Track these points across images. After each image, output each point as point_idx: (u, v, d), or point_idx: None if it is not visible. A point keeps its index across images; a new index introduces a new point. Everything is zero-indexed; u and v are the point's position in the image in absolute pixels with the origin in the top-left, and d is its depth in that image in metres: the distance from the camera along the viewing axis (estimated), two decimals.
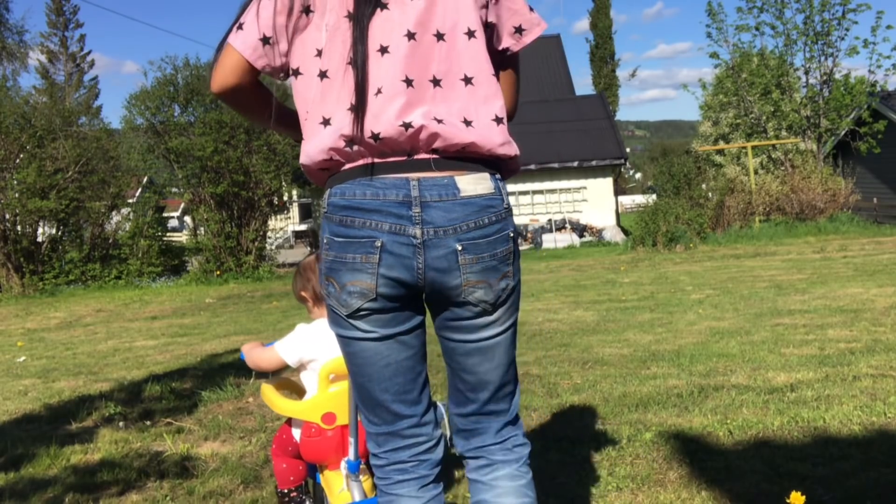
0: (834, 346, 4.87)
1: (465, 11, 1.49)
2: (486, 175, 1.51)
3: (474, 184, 1.49)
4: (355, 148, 1.47)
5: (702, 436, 3.24)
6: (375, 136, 1.45)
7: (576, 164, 21.90)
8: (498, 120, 1.52)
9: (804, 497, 2.27)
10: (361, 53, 1.44)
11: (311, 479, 2.46)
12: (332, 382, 2.15)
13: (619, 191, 29.06)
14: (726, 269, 10.52)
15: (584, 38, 44.48)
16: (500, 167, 1.56)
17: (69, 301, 13.20)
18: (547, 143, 22.33)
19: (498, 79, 1.57)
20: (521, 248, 17.30)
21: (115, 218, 17.18)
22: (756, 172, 20.34)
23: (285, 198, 18.19)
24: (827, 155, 19.21)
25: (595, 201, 22.19)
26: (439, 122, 1.45)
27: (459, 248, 1.47)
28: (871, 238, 13.81)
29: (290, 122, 1.71)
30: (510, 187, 21.94)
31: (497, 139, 1.51)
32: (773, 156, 21.81)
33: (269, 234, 17.48)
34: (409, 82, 1.45)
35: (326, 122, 1.49)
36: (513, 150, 1.54)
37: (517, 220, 21.82)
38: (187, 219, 21.85)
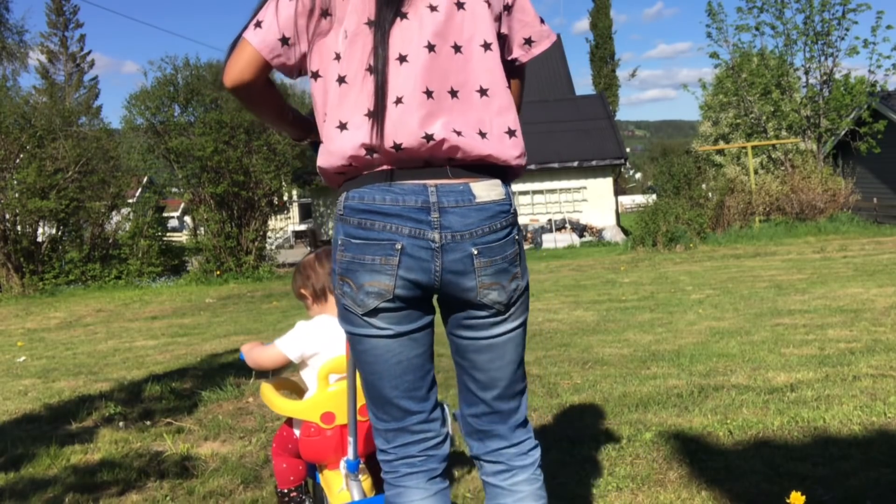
0: (834, 346, 4.87)
1: (482, 24, 1.54)
2: (498, 181, 1.56)
3: (488, 190, 1.54)
4: (375, 156, 1.50)
5: (702, 436, 3.24)
6: (397, 147, 1.48)
7: (576, 164, 21.90)
8: (511, 132, 1.57)
9: (804, 497, 2.27)
10: (382, 60, 1.47)
11: (311, 479, 2.46)
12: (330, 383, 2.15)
13: (619, 191, 29.07)
14: (726, 269, 10.52)
15: (584, 38, 44.50)
16: (508, 174, 1.60)
17: (69, 301, 13.21)
18: (547, 143, 22.33)
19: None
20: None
21: (115, 218, 17.19)
22: (756, 172, 20.35)
23: (285, 198, 18.21)
24: (827, 155, 19.21)
25: (595, 201, 22.20)
26: (458, 134, 1.50)
27: (475, 251, 1.52)
28: (871, 238, 13.81)
29: (291, 120, 1.74)
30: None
31: (512, 151, 1.56)
32: (773, 156, 21.82)
33: (269, 234, 17.50)
34: (429, 93, 1.48)
35: (343, 127, 1.51)
36: (524, 160, 1.60)
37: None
38: (187, 219, 21.86)
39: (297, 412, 2.21)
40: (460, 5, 1.53)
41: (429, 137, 1.48)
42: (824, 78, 18.62)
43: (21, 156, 15.68)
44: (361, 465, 2.15)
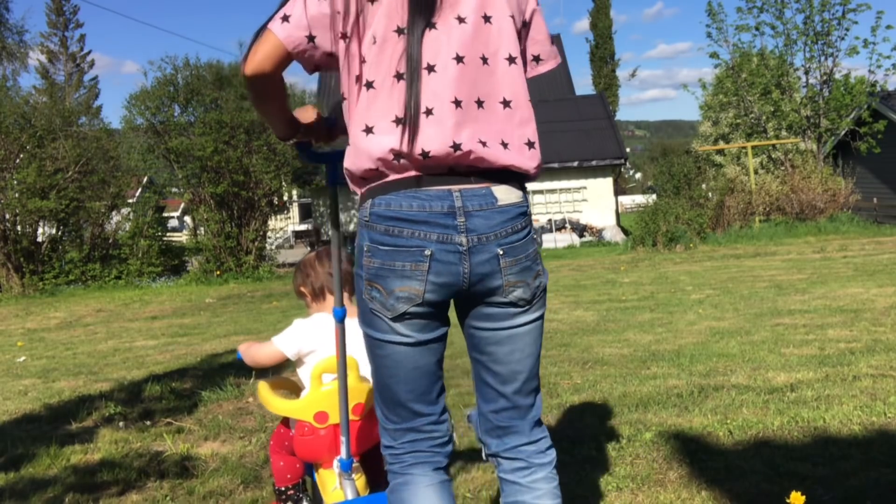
0: (834, 346, 4.87)
1: (508, 38, 1.60)
2: (515, 184, 1.63)
3: (507, 193, 1.60)
4: (402, 161, 1.54)
5: (702, 436, 3.24)
6: (425, 154, 1.53)
7: (576, 164, 21.90)
8: (530, 144, 1.63)
9: (804, 497, 2.27)
10: (415, 69, 1.52)
11: (309, 478, 2.47)
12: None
13: (619, 191, 29.07)
14: (726, 269, 10.52)
15: (584, 38, 44.47)
16: (524, 179, 1.66)
17: (69, 301, 13.21)
18: (547, 143, 22.24)
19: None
20: None
21: (115, 218, 17.19)
22: (756, 172, 20.35)
23: (285, 198, 18.21)
24: (827, 155, 19.21)
25: (595, 201, 22.20)
26: (484, 144, 1.55)
27: (501, 252, 1.58)
28: (871, 238, 13.81)
29: (287, 118, 1.78)
30: None
31: (531, 163, 1.63)
32: (773, 156, 21.82)
33: (269, 234, 17.50)
34: (458, 103, 1.53)
35: (369, 130, 1.55)
36: (540, 169, 1.67)
37: None
38: (187, 219, 21.87)
39: (291, 412, 2.23)
40: (487, 19, 1.57)
41: (456, 147, 1.53)
42: (824, 78, 18.62)
43: (21, 156, 15.68)
44: (355, 465, 2.16)
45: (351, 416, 2.11)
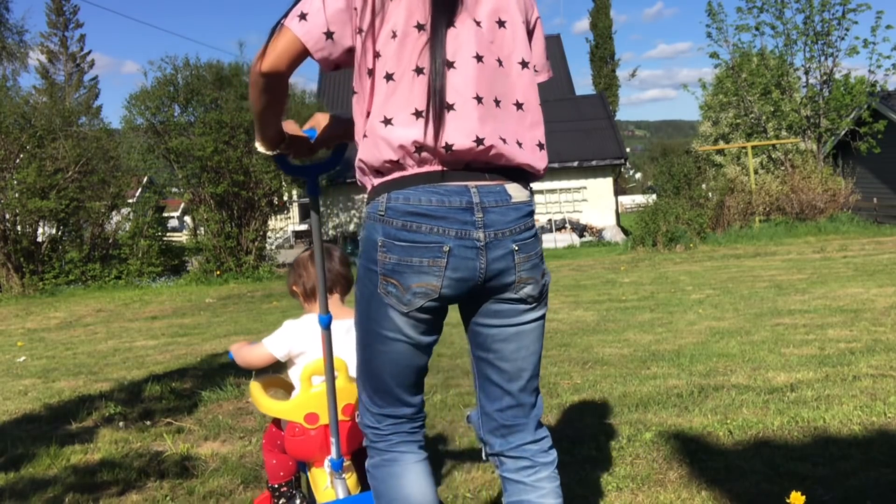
0: (834, 346, 4.87)
1: (521, 43, 1.65)
2: (524, 184, 1.69)
3: (518, 191, 1.65)
4: (423, 154, 1.56)
5: (702, 436, 3.24)
6: (448, 147, 1.55)
7: (576, 164, 21.90)
8: (540, 146, 1.70)
9: (804, 497, 2.27)
10: (439, 64, 1.54)
11: (303, 474, 2.50)
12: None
13: (619, 191, 29.07)
14: (726, 269, 10.52)
15: (584, 38, 44.48)
16: (530, 178, 1.71)
17: (69, 301, 13.21)
18: (547, 143, 22.25)
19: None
20: None
21: (115, 218, 17.18)
22: (756, 172, 20.35)
23: (285, 198, 18.21)
24: (827, 155, 19.21)
25: (595, 201, 22.20)
26: (504, 141, 1.59)
27: (516, 248, 1.62)
28: (871, 238, 13.81)
29: (278, 126, 1.80)
30: None
31: (541, 164, 1.69)
32: (773, 156, 21.82)
33: (269, 234, 17.50)
34: (479, 99, 1.56)
35: (388, 122, 1.56)
36: (545, 171, 1.72)
37: None
38: (187, 219, 21.86)
39: (281, 412, 2.25)
40: (502, 23, 1.62)
41: (479, 141, 1.55)
42: (824, 78, 18.62)
43: (21, 156, 15.68)
44: (347, 463, 2.19)
45: (341, 417, 2.13)
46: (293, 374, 2.34)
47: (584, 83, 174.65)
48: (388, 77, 1.56)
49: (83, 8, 51.17)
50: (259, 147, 1.84)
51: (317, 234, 2.04)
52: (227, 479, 3.13)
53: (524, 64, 1.64)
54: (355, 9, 1.56)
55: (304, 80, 35.88)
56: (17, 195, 15.12)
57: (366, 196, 1.69)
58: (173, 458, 3.46)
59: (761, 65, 19.42)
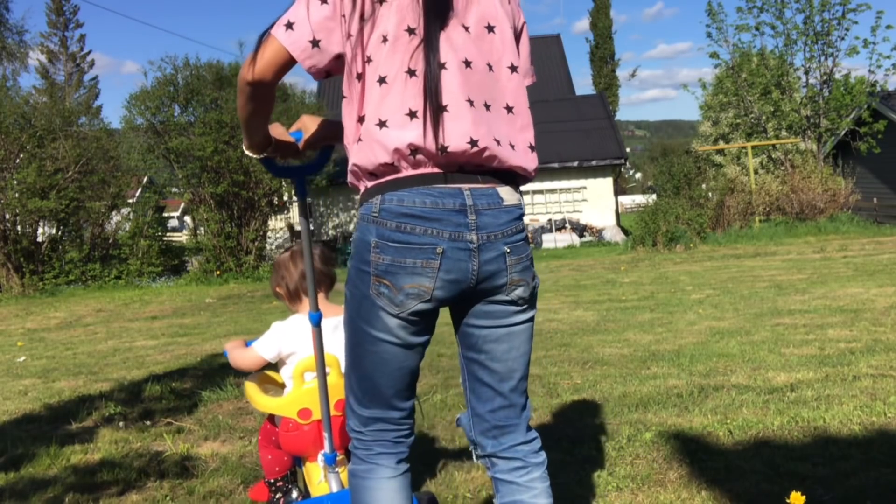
0: (834, 346, 4.86)
1: (509, 48, 1.68)
2: (515, 187, 1.69)
3: (509, 194, 1.66)
4: (417, 156, 1.57)
5: (702, 436, 3.24)
6: (443, 149, 1.56)
7: (576, 164, 21.90)
8: (532, 148, 1.72)
9: (804, 497, 2.27)
10: (434, 67, 1.55)
11: (299, 469, 2.54)
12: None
13: (619, 191, 29.06)
14: (726, 269, 10.52)
15: (584, 38, 44.47)
16: (519, 181, 1.72)
17: (69, 301, 13.20)
18: (547, 143, 22.28)
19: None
20: None
21: (115, 218, 17.19)
22: (756, 172, 20.35)
23: (285, 198, 18.19)
24: (827, 155, 19.21)
25: (595, 201, 22.19)
26: (498, 143, 1.61)
27: (507, 250, 1.63)
28: (871, 238, 13.81)
29: (265, 131, 1.82)
30: None
31: (532, 165, 1.71)
32: (773, 156, 21.82)
33: (268, 233, 17.50)
34: (471, 102, 1.58)
35: (383, 124, 1.57)
36: (536, 172, 1.74)
37: None
38: (187, 219, 21.85)
39: (275, 409, 2.30)
40: (490, 29, 1.64)
41: (474, 143, 1.57)
42: (824, 78, 18.62)
43: (21, 156, 15.68)
44: (340, 457, 2.23)
45: (333, 412, 2.17)
46: (285, 374, 2.38)
47: (584, 83, 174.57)
48: (381, 80, 1.57)
49: (83, 8, 51.19)
50: (247, 151, 1.86)
51: (305, 235, 2.07)
52: (227, 479, 3.13)
53: (513, 68, 1.67)
54: (343, 15, 1.57)
55: (304, 81, 35.91)
56: (17, 195, 15.12)
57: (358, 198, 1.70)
58: (173, 458, 3.46)
59: (761, 65, 19.42)
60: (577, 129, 22.94)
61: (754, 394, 3.82)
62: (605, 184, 22.43)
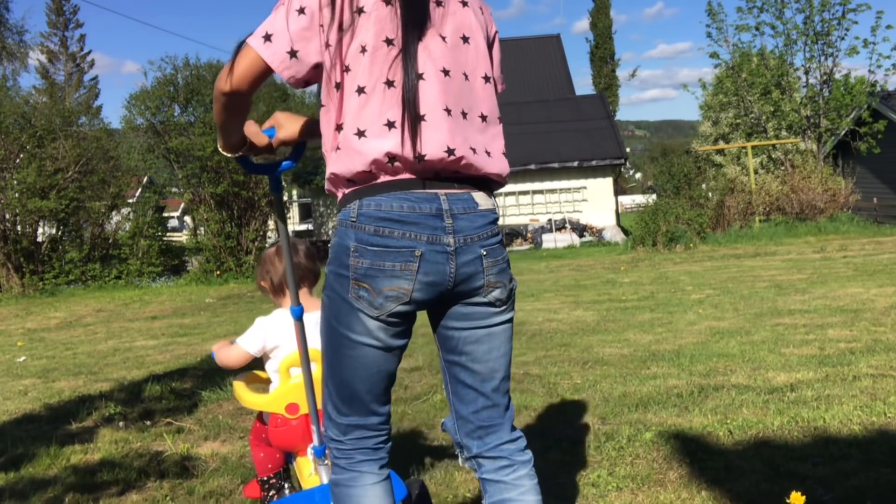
0: (834, 346, 4.86)
1: (482, 58, 1.72)
2: (489, 193, 1.73)
3: (484, 199, 1.70)
4: (395, 164, 1.60)
5: (702, 436, 3.24)
6: (420, 157, 1.59)
7: (576, 164, 21.90)
8: (504, 154, 1.76)
9: (804, 497, 2.27)
10: (412, 78, 1.59)
11: (291, 465, 2.57)
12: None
13: (619, 191, 29.06)
14: (726, 269, 10.52)
15: (584, 38, 44.45)
16: (493, 187, 1.76)
17: (69, 301, 13.21)
18: (547, 143, 22.32)
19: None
20: (521, 248, 17.16)
21: (115, 218, 17.18)
22: (756, 172, 20.34)
23: (285, 198, 18.21)
24: (827, 155, 19.20)
25: (595, 201, 22.19)
26: (473, 151, 1.65)
27: (484, 253, 1.67)
28: (871, 238, 13.81)
29: (241, 133, 1.85)
30: (509, 187, 21.97)
31: (506, 171, 1.75)
32: (773, 156, 21.81)
33: (269, 233, 17.49)
34: (448, 111, 1.62)
35: (361, 134, 1.59)
36: (508, 177, 1.78)
37: (517, 220, 21.84)
38: (187, 219, 21.86)
39: (263, 405, 2.34)
40: (465, 39, 1.68)
41: (450, 152, 1.60)
42: (824, 78, 18.62)
43: (21, 156, 15.68)
44: (328, 450, 2.23)
45: (320, 406, 2.18)
46: (270, 369, 2.42)
47: (584, 83, 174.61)
48: (360, 90, 1.59)
49: (83, 8, 51.18)
50: (222, 150, 1.89)
51: (283, 230, 2.11)
52: (227, 479, 3.13)
53: (487, 78, 1.71)
54: (321, 25, 1.60)
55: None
56: (17, 195, 15.12)
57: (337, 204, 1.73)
58: (173, 458, 3.46)
59: (761, 65, 19.41)
60: (577, 129, 22.95)
61: (754, 394, 3.82)
62: (605, 184, 22.43)
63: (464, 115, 1.64)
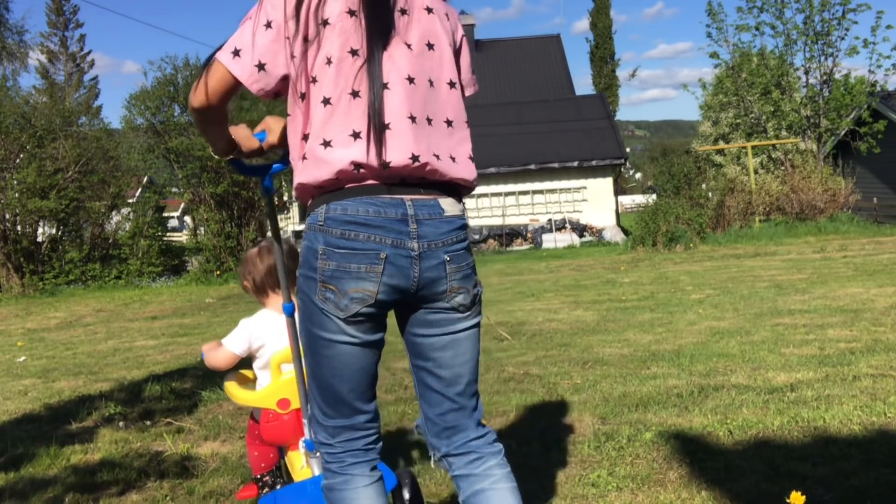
0: (834, 346, 4.86)
1: (448, 64, 1.74)
2: (455, 200, 1.76)
3: (451, 205, 1.73)
4: (361, 171, 1.63)
5: (702, 436, 3.24)
6: (385, 165, 1.62)
7: (576, 164, 21.89)
8: (471, 158, 1.79)
9: (804, 497, 2.27)
10: (377, 88, 1.62)
11: (284, 463, 2.62)
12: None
13: (619, 191, 29.06)
14: (726, 268, 10.52)
15: (584, 38, 44.45)
16: (462, 192, 1.79)
17: (69, 301, 13.21)
18: (547, 143, 22.31)
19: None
20: (521, 248, 17.11)
21: (115, 218, 17.18)
22: (756, 172, 20.34)
23: (285, 198, 18.20)
24: (827, 155, 19.20)
25: (595, 201, 22.18)
26: (437, 157, 1.67)
27: (447, 258, 1.69)
28: (871, 238, 13.81)
29: (226, 137, 1.90)
30: (509, 187, 21.99)
31: (472, 175, 1.78)
32: (773, 156, 21.81)
33: (268, 234, 17.48)
34: (413, 119, 1.65)
35: (328, 144, 1.63)
36: (476, 181, 1.82)
37: (517, 220, 21.84)
38: (187, 219, 21.85)
39: (255, 401, 2.40)
40: (430, 46, 1.71)
41: (415, 158, 1.63)
42: (824, 78, 18.61)
43: (21, 156, 15.67)
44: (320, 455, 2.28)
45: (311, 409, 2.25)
46: (256, 367, 2.48)
47: (584, 83, 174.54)
48: (325, 101, 1.62)
49: (83, 8, 51.17)
50: (214, 155, 1.94)
51: (274, 229, 2.16)
52: (227, 479, 3.13)
53: (452, 84, 1.74)
54: (288, 38, 1.63)
55: None
56: (17, 195, 15.11)
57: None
58: (173, 458, 3.47)
59: (761, 65, 19.41)
60: (577, 129, 22.94)
61: (754, 394, 3.82)
62: (605, 184, 22.42)
63: (429, 121, 1.68)
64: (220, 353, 2.45)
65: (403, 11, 1.68)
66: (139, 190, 20.09)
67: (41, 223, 15.94)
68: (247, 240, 16.22)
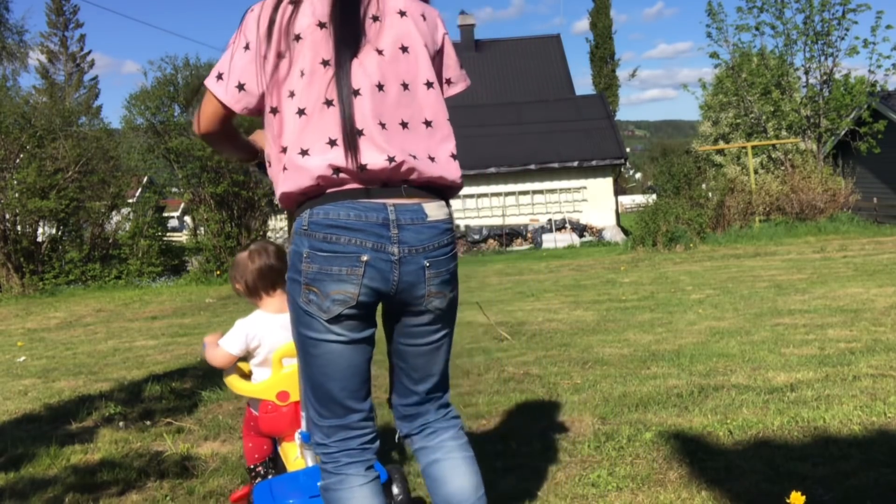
0: (834, 346, 4.86)
1: (424, 66, 1.77)
2: (443, 203, 1.79)
3: (437, 210, 1.75)
4: (340, 175, 1.67)
5: (702, 436, 3.24)
6: (362, 167, 1.66)
7: (576, 164, 21.89)
8: (454, 157, 1.81)
9: (804, 497, 2.27)
10: (347, 94, 1.66)
11: (279, 456, 2.66)
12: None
13: (619, 191, 29.05)
14: (726, 268, 10.52)
15: (584, 38, 44.45)
16: (449, 193, 1.82)
17: (69, 301, 13.20)
18: (547, 143, 22.31)
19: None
20: (521, 248, 17.15)
21: (115, 218, 17.18)
22: (756, 172, 20.34)
23: None
24: (827, 155, 19.20)
25: (595, 201, 22.18)
26: (414, 157, 1.70)
27: (427, 264, 1.73)
28: (871, 238, 13.80)
29: (243, 146, 1.99)
30: (509, 187, 21.99)
31: (456, 173, 1.80)
32: (773, 156, 21.81)
33: (268, 234, 17.49)
34: (383, 125, 1.68)
35: (305, 153, 1.67)
36: (462, 180, 1.85)
37: (517, 220, 21.84)
38: (187, 219, 21.84)
39: (256, 392, 2.46)
40: (405, 49, 1.74)
41: (391, 160, 1.67)
42: (824, 78, 18.61)
43: (21, 156, 15.68)
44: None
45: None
46: (254, 364, 2.54)
47: (584, 83, 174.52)
48: (300, 112, 1.67)
49: (83, 8, 51.14)
50: (242, 164, 2.03)
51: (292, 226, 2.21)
52: (227, 479, 3.13)
53: (429, 84, 1.76)
54: (265, 56, 1.70)
55: None
56: (17, 195, 15.11)
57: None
58: (173, 458, 3.47)
59: (761, 65, 19.41)
60: (577, 129, 22.94)
61: (754, 394, 3.82)
62: (605, 184, 22.42)
63: (403, 125, 1.70)
64: (217, 353, 2.51)
65: (375, 18, 1.72)
66: (139, 190, 20.09)
67: (41, 223, 15.94)
68: (247, 240, 16.21)
